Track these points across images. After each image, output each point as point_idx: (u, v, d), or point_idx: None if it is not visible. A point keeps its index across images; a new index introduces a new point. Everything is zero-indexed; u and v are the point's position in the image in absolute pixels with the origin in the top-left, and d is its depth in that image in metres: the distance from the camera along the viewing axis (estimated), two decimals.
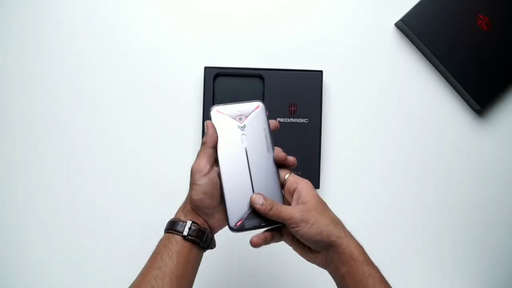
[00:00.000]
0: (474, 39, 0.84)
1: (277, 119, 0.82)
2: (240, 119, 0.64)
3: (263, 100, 0.82)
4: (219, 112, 0.63)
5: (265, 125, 0.64)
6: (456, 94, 0.87)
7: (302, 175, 0.72)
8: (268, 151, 0.63)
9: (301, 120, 0.83)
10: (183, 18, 0.86)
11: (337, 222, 0.62)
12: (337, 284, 0.62)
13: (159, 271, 0.59)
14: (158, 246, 0.61)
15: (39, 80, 0.85)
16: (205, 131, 0.64)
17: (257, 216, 0.61)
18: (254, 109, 0.64)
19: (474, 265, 0.87)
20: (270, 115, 0.79)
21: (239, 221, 0.61)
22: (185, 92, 0.85)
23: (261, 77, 0.83)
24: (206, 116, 0.81)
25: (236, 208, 0.61)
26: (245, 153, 0.63)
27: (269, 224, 0.62)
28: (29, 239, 0.85)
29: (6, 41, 0.85)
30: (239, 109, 0.64)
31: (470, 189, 0.87)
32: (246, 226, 0.61)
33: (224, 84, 0.83)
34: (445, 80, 0.87)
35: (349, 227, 0.62)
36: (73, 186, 0.85)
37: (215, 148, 0.63)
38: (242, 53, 0.86)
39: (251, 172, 0.62)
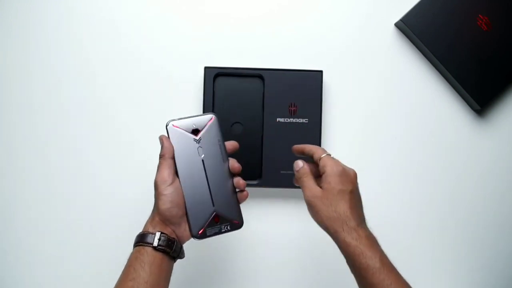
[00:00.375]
0: (474, 39, 0.84)
1: (277, 119, 0.82)
2: (196, 132, 0.67)
3: (263, 99, 0.82)
4: (174, 127, 0.66)
5: (219, 137, 0.67)
6: (456, 94, 0.87)
7: None
8: (223, 161, 0.67)
9: (301, 120, 0.83)
10: (183, 18, 0.86)
11: (338, 217, 0.63)
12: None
13: (134, 282, 0.60)
14: (129, 260, 0.63)
15: (38, 80, 0.85)
16: (161, 145, 0.66)
17: (217, 224, 0.66)
18: (208, 122, 0.67)
19: (473, 265, 0.86)
20: (271, 114, 0.79)
21: (201, 229, 0.65)
22: (185, 92, 0.85)
23: (261, 77, 0.83)
24: None
25: (198, 217, 0.65)
26: (202, 165, 0.66)
27: (229, 230, 0.66)
28: (26, 237, 0.85)
29: (5, 40, 0.85)
30: (194, 122, 0.67)
31: (470, 189, 0.87)
32: (208, 233, 0.65)
33: (224, 84, 0.83)
34: (445, 80, 0.87)
35: None
36: (74, 186, 0.85)
37: (173, 159, 0.65)
38: (242, 53, 0.86)
39: (209, 182, 0.66)
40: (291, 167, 0.72)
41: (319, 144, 0.83)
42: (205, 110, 0.82)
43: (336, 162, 0.67)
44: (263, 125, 0.82)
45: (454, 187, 0.87)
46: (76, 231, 0.85)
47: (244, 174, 0.77)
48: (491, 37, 0.84)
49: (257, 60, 0.86)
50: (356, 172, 0.67)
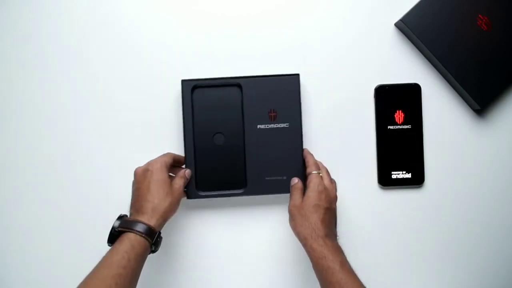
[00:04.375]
0: (474, 39, 0.84)
1: (258, 126, 0.82)
2: None
3: (242, 108, 0.82)
4: None
5: None
6: (456, 94, 0.87)
7: (286, 179, 0.80)
8: None
9: (282, 125, 0.82)
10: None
11: (309, 226, 0.72)
12: None
13: (124, 270, 0.65)
14: (123, 246, 0.68)
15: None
16: None
17: None
18: None
19: (473, 264, 0.87)
20: (251, 122, 0.82)
21: None
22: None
23: (239, 86, 0.82)
24: (186, 129, 0.81)
25: None
26: None
27: None
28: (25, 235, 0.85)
29: (6, 40, 0.85)
30: None
31: (469, 189, 0.87)
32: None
33: (202, 96, 0.82)
34: (445, 80, 0.87)
35: None
36: (75, 183, 0.85)
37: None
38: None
39: None
40: (275, 173, 0.78)
41: (302, 147, 0.82)
42: (185, 123, 0.82)
43: (320, 181, 0.76)
44: (244, 133, 0.82)
45: (454, 187, 0.86)
46: (76, 228, 0.86)
47: (228, 184, 0.81)
48: (491, 37, 0.84)
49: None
50: (336, 197, 0.77)
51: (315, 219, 0.73)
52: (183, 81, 0.82)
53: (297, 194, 0.77)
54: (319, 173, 0.77)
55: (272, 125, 0.82)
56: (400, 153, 0.83)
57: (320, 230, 0.72)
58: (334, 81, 0.86)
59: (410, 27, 0.84)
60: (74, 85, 0.86)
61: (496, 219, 0.87)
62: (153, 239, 0.71)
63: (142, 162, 0.78)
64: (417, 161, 0.85)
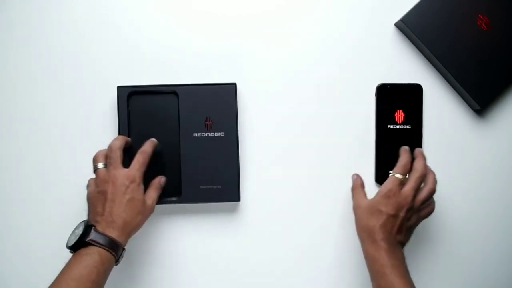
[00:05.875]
0: (474, 39, 0.84)
1: (194, 135, 0.82)
2: None
3: (178, 115, 0.82)
4: None
5: None
6: (456, 94, 0.87)
7: (221, 188, 0.81)
8: None
9: (217, 134, 0.82)
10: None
11: (368, 229, 0.72)
12: None
13: (93, 284, 0.66)
14: (91, 260, 0.67)
15: None
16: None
17: None
18: None
19: (472, 265, 0.87)
20: (187, 130, 0.82)
21: None
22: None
23: (175, 93, 0.82)
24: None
25: None
26: None
27: None
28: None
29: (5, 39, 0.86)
30: None
31: (469, 189, 0.87)
32: None
33: (138, 102, 0.82)
34: (445, 80, 0.87)
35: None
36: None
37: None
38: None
39: None
40: (210, 181, 0.80)
41: (237, 156, 0.82)
42: (121, 130, 0.81)
43: (394, 186, 0.73)
44: (179, 141, 0.82)
45: (454, 187, 0.86)
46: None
47: (163, 192, 0.80)
48: (491, 37, 0.84)
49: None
50: (411, 205, 0.74)
51: (374, 223, 0.72)
52: (119, 88, 0.82)
53: (358, 193, 0.78)
54: (401, 177, 0.74)
55: (208, 134, 0.82)
56: (398, 152, 0.84)
57: (377, 235, 0.71)
58: (333, 81, 0.87)
59: (410, 27, 0.84)
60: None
61: (496, 220, 0.87)
62: (118, 254, 0.71)
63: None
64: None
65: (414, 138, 0.85)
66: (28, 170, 0.85)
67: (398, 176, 0.75)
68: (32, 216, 0.85)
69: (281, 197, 0.86)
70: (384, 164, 0.85)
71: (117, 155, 0.75)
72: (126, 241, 0.73)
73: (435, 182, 0.76)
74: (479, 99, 0.85)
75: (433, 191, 0.75)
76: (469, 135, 0.87)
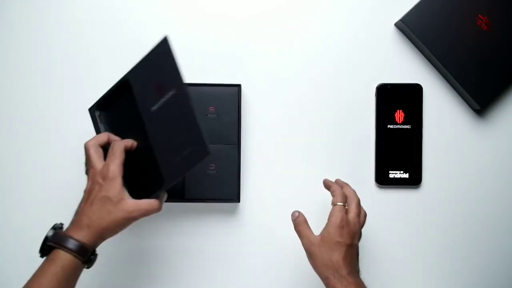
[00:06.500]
0: (474, 39, 0.84)
1: (152, 108, 0.73)
2: None
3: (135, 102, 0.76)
4: None
5: None
6: (456, 94, 0.87)
7: (192, 150, 0.70)
8: None
9: (170, 100, 0.72)
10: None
11: (331, 265, 0.69)
12: None
13: None
14: (62, 268, 0.64)
15: None
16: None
17: None
18: None
19: (471, 265, 0.87)
20: (145, 108, 0.73)
21: None
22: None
23: (128, 86, 0.76)
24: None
25: None
26: None
27: None
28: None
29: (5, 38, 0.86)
30: None
31: (469, 189, 0.87)
32: None
33: (107, 117, 0.79)
34: (445, 80, 0.87)
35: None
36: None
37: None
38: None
39: None
40: (180, 148, 0.70)
41: (193, 113, 0.71)
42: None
43: (343, 215, 0.71)
44: (144, 126, 0.74)
45: (452, 188, 0.86)
46: None
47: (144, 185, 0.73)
48: (491, 37, 0.84)
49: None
50: (359, 231, 0.73)
51: (337, 257, 0.69)
52: (89, 109, 0.78)
53: (305, 230, 0.73)
54: (344, 205, 0.73)
55: (162, 100, 0.72)
56: (398, 152, 0.84)
57: (342, 269, 0.69)
58: (333, 80, 0.87)
59: (410, 27, 0.84)
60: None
61: (496, 220, 0.87)
62: (85, 257, 0.66)
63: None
64: (415, 162, 0.85)
65: (414, 138, 0.85)
66: (28, 170, 0.86)
67: (341, 204, 0.73)
68: (32, 216, 0.85)
69: (281, 197, 0.86)
70: (384, 164, 0.85)
71: (90, 153, 0.70)
72: (95, 242, 0.67)
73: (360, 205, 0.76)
74: (479, 99, 0.85)
75: (365, 215, 0.75)
76: (469, 135, 0.87)
